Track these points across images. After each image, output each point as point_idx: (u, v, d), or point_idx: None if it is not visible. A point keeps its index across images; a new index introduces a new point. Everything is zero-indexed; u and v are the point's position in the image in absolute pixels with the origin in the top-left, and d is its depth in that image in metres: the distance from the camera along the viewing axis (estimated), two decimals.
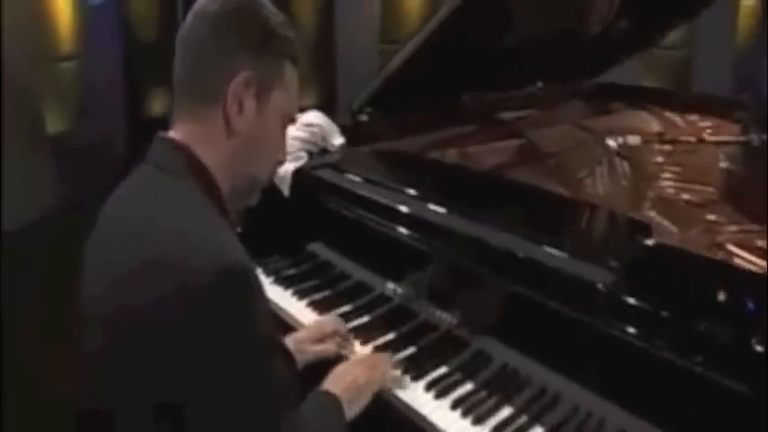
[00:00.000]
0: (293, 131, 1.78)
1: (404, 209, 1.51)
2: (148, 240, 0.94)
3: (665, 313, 1.03)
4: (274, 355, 0.99)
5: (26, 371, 2.34)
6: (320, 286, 1.69)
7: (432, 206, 1.49)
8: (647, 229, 1.25)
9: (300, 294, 1.67)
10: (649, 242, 1.21)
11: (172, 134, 1.05)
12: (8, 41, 3.83)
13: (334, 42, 4.79)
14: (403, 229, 1.48)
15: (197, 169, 1.02)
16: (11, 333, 2.47)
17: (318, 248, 1.78)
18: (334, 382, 1.23)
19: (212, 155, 1.03)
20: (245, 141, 1.04)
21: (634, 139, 1.70)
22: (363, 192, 1.62)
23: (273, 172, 1.19)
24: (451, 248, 1.39)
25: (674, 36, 4.80)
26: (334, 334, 1.46)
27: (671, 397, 1.02)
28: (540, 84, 2.48)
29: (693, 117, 2.23)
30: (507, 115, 2.31)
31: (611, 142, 1.70)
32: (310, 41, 4.61)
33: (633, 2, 2.43)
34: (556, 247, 1.22)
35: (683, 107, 2.33)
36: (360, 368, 1.29)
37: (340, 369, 1.28)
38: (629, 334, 1.05)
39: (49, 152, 4.12)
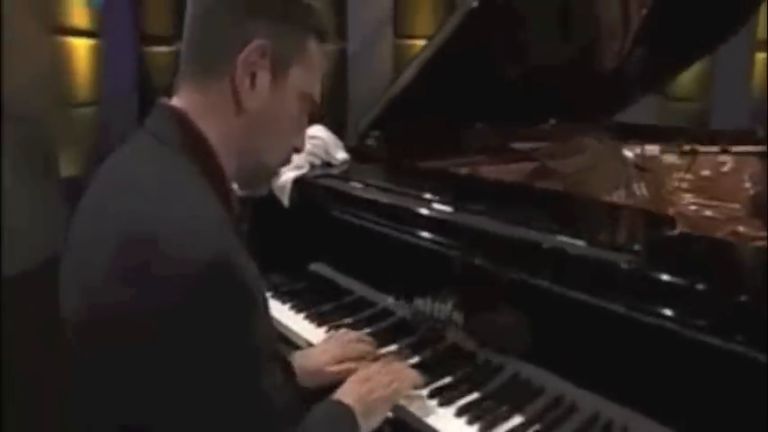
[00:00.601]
0: None
1: (413, 209, 1.40)
2: (130, 222, 0.81)
3: (697, 286, 0.93)
4: (271, 365, 0.87)
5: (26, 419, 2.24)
6: (320, 301, 1.60)
7: (441, 206, 1.38)
8: (671, 222, 1.15)
9: (299, 308, 1.58)
10: (674, 232, 1.12)
11: (174, 102, 0.93)
12: (25, 86, 3.88)
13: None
14: (412, 230, 1.37)
15: (197, 144, 0.90)
16: (10, 386, 2.37)
17: (320, 268, 1.69)
18: (348, 392, 1.08)
19: (217, 131, 0.91)
20: (255, 121, 0.92)
21: (652, 150, 1.62)
22: (369, 195, 1.53)
23: (288, 159, 1.03)
24: (470, 245, 1.27)
25: (689, 87, 4.81)
26: (359, 358, 1.29)
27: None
28: (552, 121, 2.42)
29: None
30: (519, 145, 2.23)
31: (629, 153, 1.62)
32: None
33: (648, 36, 2.40)
34: (578, 238, 1.12)
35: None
36: (377, 377, 1.13)
37: (355, 377, 1.13)
38: (657, 315, 0.93)
39: (59, 196, 4.12)
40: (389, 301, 1.45)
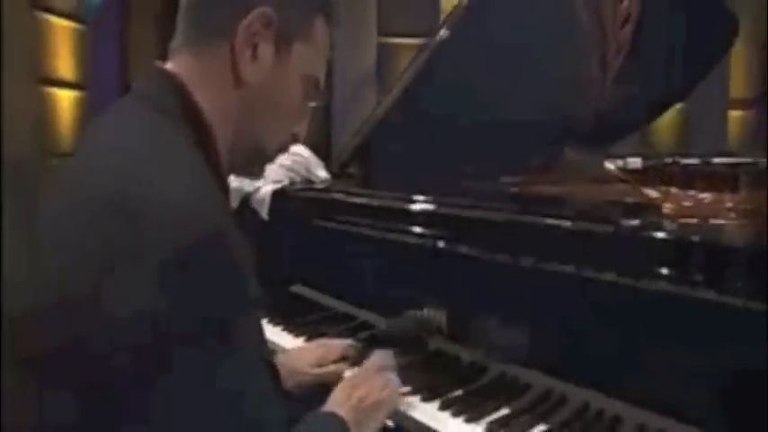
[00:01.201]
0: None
1: (398, 207, 1.36)
2: (110, 186, 0.73)
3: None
4: (259, 362, 0.78)
5: None
6: (300, 315, 1.55)
7: (426, 205, 1.34)
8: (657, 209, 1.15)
9: (276, 322, 1.54)
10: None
11: (169, 66, 0.85)
12: (10, 136, 3.88)
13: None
14: (396, 228, 1.33)
15: (192, 114, 0.82)
16: None
17: (300, 289, 1.65)
18: (339, 403, 0.99)
19: (211, 103, 0.83)
20: (254, 97, 0.85)
21: (634, 162, 1.63)
22: (350, 199, 1.49)
23: (284, 146, 0.94)
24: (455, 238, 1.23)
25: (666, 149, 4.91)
26: (341, 360, 1.23)
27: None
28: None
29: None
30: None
31: (611, 165, 1.62)
32: None
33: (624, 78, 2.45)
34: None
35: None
36: (367, 385, 1.04)
37: (343, 386, 1.05)
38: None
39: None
40: (370, 315, 1.41)
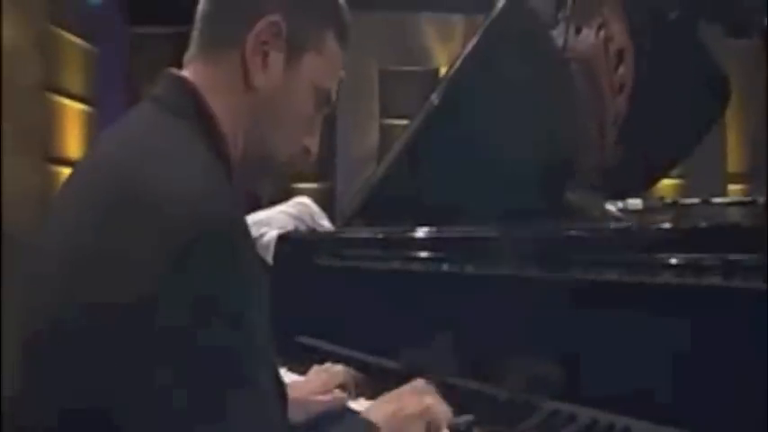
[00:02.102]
0: (281, 206, 1.73)
1: (404, 237, 1.37)
2: (124, 180, 0.74)
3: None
4: (264, 366, 0.76)
5: None
6: (306, 358, 1.52)
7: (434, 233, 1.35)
8: None
9: (281, 363, 1.50)
10: None
11: (182, 74, 0.89)
12: (12, 209, 3.93)
13: None
14: (403, 259, 1.33)
15: (207, 119, 0.84)
16: None
17: (306, 340, 1.63)
18: (375, 410, 1.00)
19: (222, 107, 0.86)
20: (264, 103, 0.88)
21: (635, 204, 1.64)
22: (356, 234, 1.50)
23: (297, 158, 0.94)
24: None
25: None
26: (341, 386, 1.25)
27: None
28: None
29: None
30: None
31: (611, 207, 1.63)
32: None
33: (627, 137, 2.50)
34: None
35: None
36: (407, 397, 1.04)
37: (385, 397, 1.05)
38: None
39: None
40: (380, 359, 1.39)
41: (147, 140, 0.80)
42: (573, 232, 1.08)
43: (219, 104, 0.86)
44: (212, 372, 0.70)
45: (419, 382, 1.11)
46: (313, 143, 0.96)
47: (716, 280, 0.83)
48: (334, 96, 0.96)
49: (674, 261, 0.88)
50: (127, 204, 0.72)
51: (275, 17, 0.86)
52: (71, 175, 0.86)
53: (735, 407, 0.83)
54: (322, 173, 5.83)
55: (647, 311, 0.93)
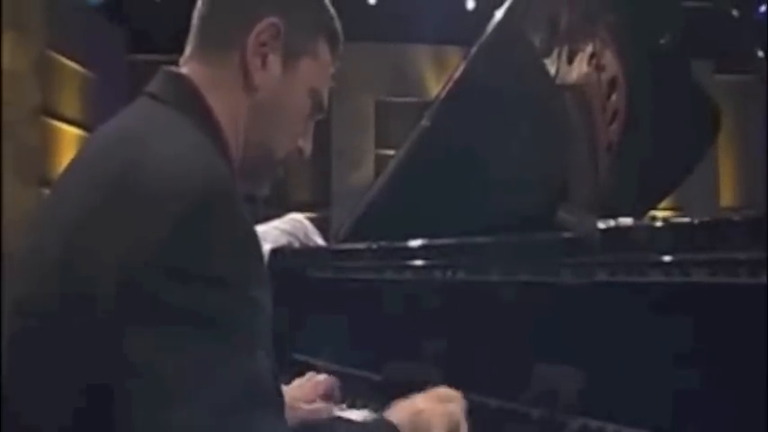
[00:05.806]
0: (275, 222, 1.73)
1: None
2: (124, 165, 0.74)
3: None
4: (261, 352, 0.75)
5: None
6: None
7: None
8: None
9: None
10: None
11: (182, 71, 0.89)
12: (9, 231, 3.92)
13: None
14: (396, 270, 1.34)
15: (206, 114, 0.85)
16: None
17: (303, 357, 1.62)
18: (396, 411, 0.99)
19: (222, 106, 0.86)
20: (264, 104, 0.89)
21: (626, 222, 1.64)
22: (349, 246, 1.50)
23: (291, 157, 0.96)
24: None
25: None
26: (325, 396, 1.23)
27: None
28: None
29: None
30: None
31: (602, 225, 1.63)
32: None
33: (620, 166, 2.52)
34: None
35: None
36: (429, 400, 1.03)
37: (404, 403, 1.02)
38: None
39: None
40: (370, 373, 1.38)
41: (148, 133, 0.79)
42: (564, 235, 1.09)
43: (219, 104, 0.86)
44: (211, 339, 0.70)
45: (444, 389, 1.09)
46: (307, 144, 0.98)
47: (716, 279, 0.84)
48: (326, 103, 0.98)
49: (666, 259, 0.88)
50: (128, 182, 0.72)
51: (275, 19, 0.88)
52: (67, 167, 0.85)
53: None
54: (318, 202, 5.85)
55: (643, 311, 0.93)
